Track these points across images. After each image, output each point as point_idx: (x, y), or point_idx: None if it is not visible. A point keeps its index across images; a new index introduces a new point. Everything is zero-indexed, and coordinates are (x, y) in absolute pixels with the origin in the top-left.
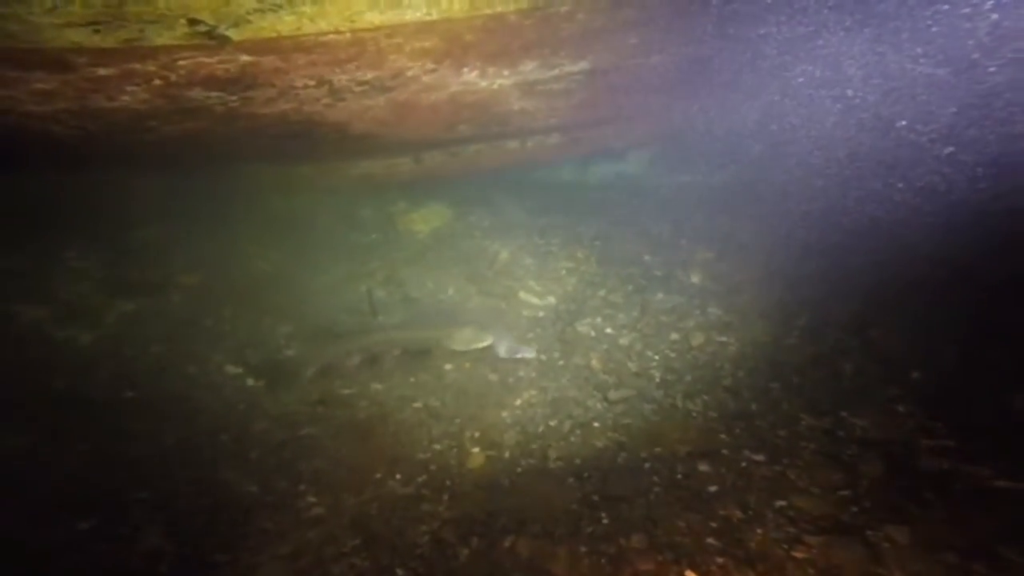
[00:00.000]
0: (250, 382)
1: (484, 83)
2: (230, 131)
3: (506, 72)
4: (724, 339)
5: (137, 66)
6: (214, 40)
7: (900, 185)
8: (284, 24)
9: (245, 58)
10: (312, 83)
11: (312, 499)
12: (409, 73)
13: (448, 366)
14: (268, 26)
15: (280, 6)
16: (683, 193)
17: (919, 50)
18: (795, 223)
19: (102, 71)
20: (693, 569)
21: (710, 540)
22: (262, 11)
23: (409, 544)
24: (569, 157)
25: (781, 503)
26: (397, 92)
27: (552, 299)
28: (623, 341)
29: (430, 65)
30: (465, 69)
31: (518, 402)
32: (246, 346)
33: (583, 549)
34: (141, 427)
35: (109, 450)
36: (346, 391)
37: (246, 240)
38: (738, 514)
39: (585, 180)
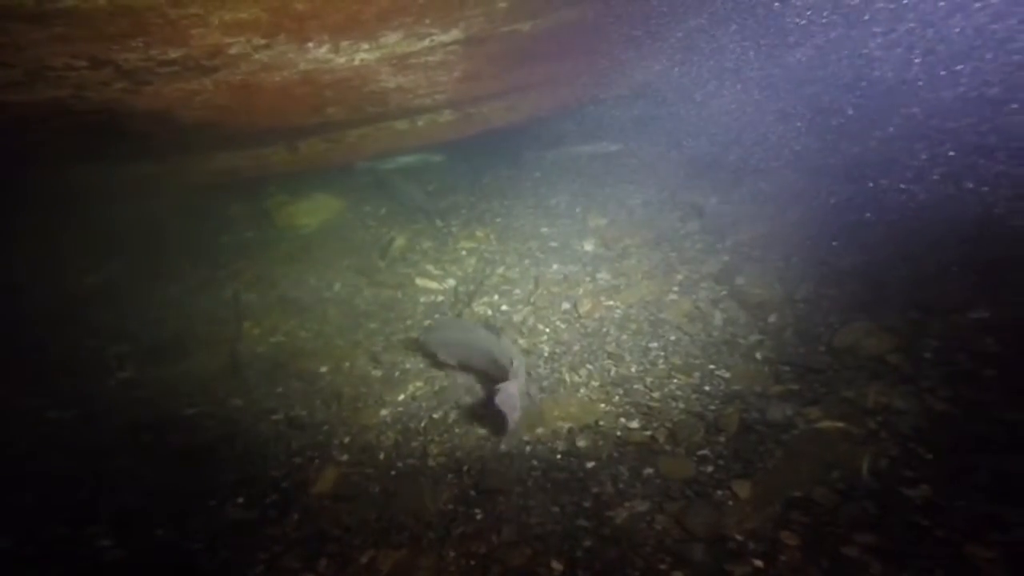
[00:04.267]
0: (54, 414)
1: (341, 59)
2: None
3: (366, 45)
4: (611, 303)
5: None
6: None
7: (782, 148)
8: None
9: None
10: (82, 63)
11: (107, 542)
12: (232, 51)
13: (323, 368)
14: None
15: None
16: (579, 163)
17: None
18: (679, 185)
19: None
20: (560, 558)
21: (581, 522)
22: None
23: None
24: (466, 135)
25: (649, 471)
26: (225, 73)
27: (451, 281)
28: (517, 317)
29: (258, 40)
30: (310, 44)
31: (401, 397)
32: (57, 374)
33: (452, 554)
34: None
35: None
36: (189, 411)
37: (69, 254)
38: (609, 489)
39: (487, 158)
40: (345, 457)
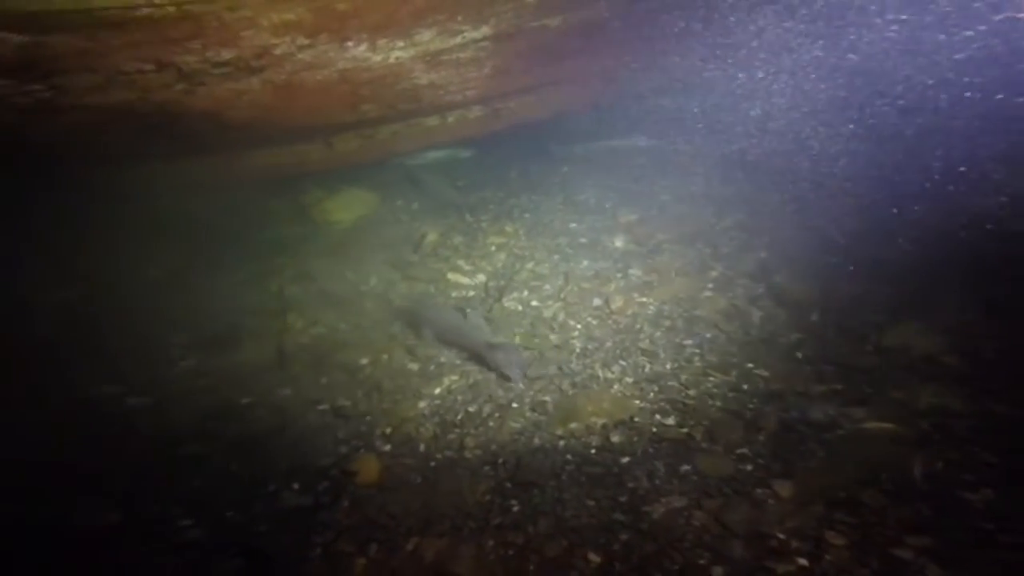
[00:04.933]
0: (132, 401)
1: (378, 57)
2: (59, 126)
3: (401, 43)
4: (644, 300)
5: None
6: None
7: (825, 147)
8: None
9: (19, 39)
10: (150, 67)
11: (187, 522)
12: (277, 51)
13: (364, 360)
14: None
15: None
16: (608, 157)
17: None
18: (714, 181)
19: None
20: (596, 550)
21: (617, 516)
22: None
23: (297, 560)
24: (495, 130)
25: (686, 467)
26: (271, 73)
27: (482, 277)
28: (547, 313)
29: (302, 40)
30: (349, 43)
31: (437, 391)
32: (129, 362)
33: (491, 543)
34: None
35: None
36: (244, 400)
37: (133, 247)
38: (645, 484)
39: (515, 153)
40: (387, 448)
